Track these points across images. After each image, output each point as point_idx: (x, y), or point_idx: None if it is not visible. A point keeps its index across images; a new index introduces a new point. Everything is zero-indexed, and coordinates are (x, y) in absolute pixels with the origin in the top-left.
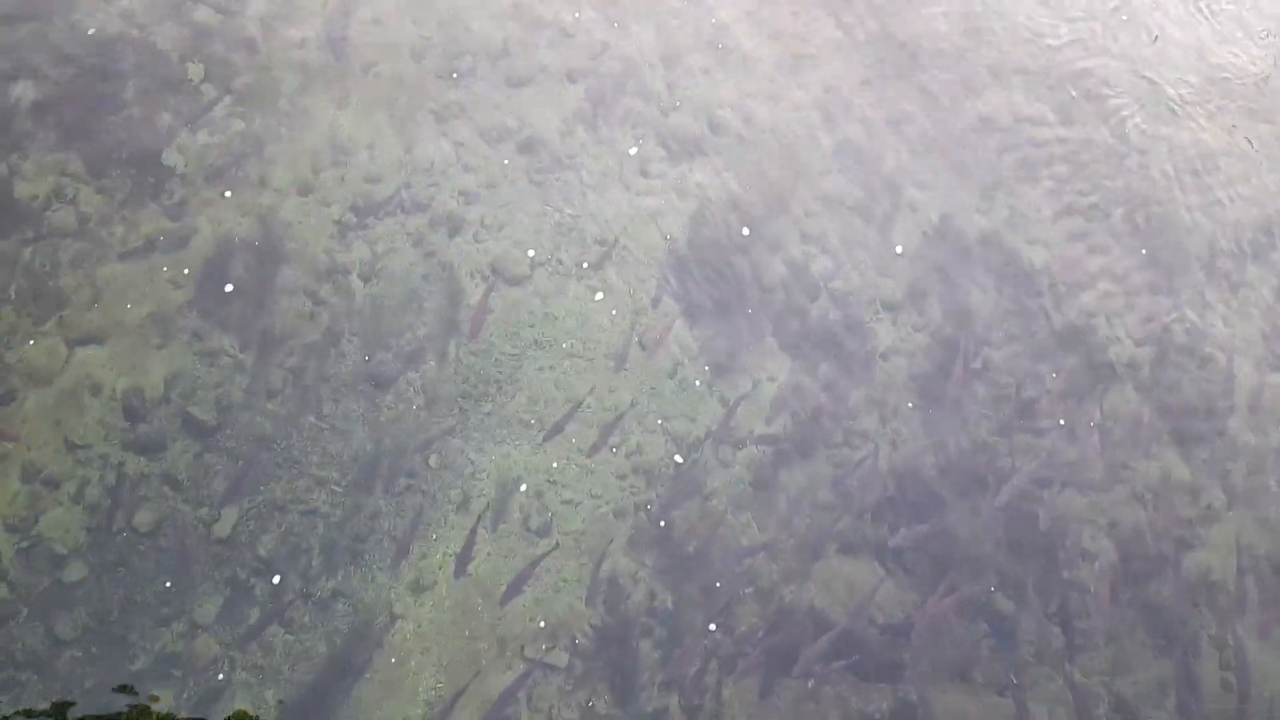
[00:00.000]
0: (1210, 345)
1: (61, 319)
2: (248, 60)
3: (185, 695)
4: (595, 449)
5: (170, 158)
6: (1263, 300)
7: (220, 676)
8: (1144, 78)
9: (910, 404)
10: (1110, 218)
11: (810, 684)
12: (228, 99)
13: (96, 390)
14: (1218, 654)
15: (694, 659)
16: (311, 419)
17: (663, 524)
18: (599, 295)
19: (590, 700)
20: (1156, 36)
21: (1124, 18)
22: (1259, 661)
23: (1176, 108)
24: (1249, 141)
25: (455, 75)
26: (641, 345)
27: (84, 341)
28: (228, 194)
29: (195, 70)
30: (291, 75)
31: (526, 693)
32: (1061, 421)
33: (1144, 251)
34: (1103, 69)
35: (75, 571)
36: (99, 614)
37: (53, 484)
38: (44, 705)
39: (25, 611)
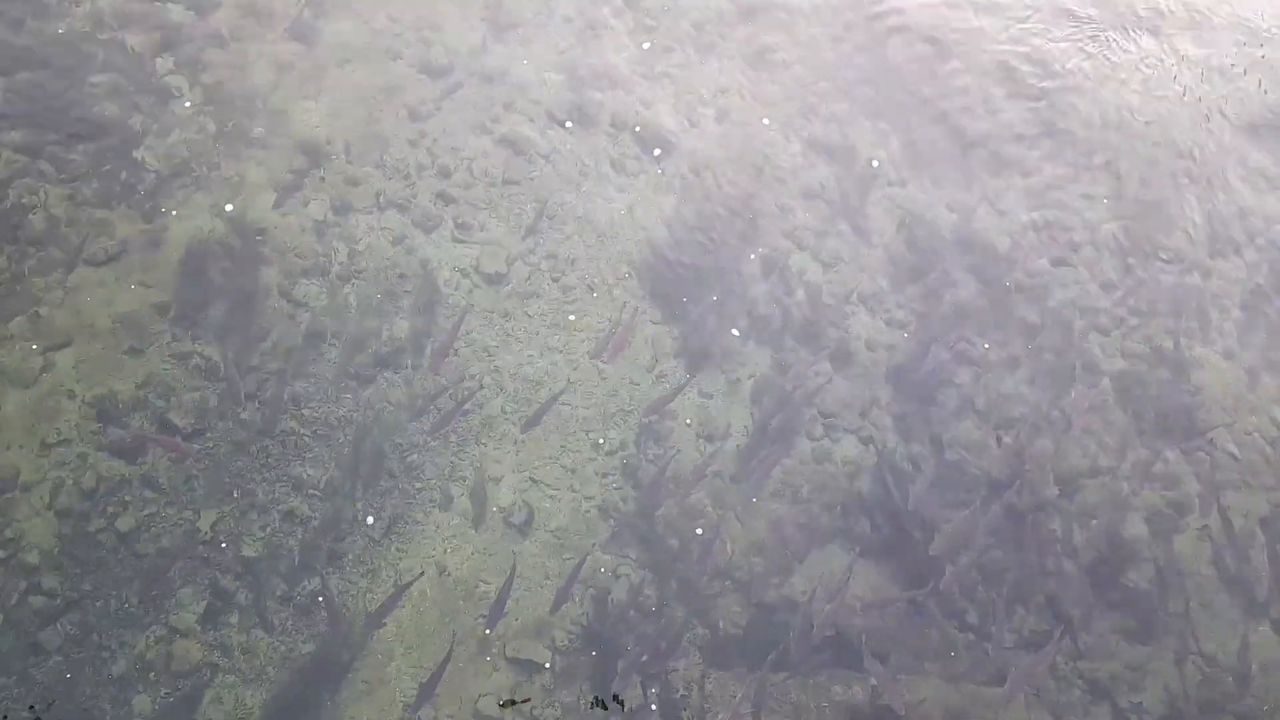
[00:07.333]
0: None
1: (33, 323)
2: (219, 57)
3: (160, 700)
4: (575, 446)
5: (142, 157)
6: None
7: (201, 679)
8: None
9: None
10: None
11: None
12: (199, 97)
13: (71, 394)
14: None
15: (677, 653)
16: (289, 421)
17: (644, 519)
18: (575, 292)
19: (577, 698)
20: None
21: None
22: None
23: None
24: None
25: (431, 72)
26: (618, 340)
27: (57, 346)
28: (199, 194)
29: (166, 67)
30: (265, 72)
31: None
32: None
33: None
34: None
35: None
36: (80, 621)
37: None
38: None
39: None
